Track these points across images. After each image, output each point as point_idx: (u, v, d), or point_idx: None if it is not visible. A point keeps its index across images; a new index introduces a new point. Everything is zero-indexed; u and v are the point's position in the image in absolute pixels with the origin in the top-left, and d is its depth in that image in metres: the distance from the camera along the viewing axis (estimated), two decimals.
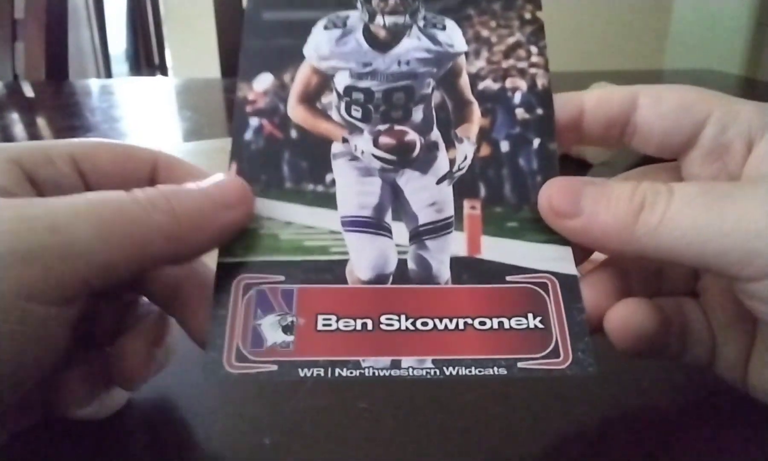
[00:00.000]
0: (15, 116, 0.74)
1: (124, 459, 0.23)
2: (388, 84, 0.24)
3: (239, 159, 0.23)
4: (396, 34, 0.25)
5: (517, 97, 0.24)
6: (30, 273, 0.17)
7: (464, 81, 0.25)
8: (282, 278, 0.21)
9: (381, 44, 0.25)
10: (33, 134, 0.67)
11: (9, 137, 0.65)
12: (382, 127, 0.24)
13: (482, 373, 0.20)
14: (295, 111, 0.24)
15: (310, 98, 0.24)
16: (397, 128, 0.24)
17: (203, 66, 1.53)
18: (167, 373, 0.25)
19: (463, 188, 0.23)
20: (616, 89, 0.24)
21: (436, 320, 0.21)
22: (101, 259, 0.18)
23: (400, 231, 0.23)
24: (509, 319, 0.21)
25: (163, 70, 2.58)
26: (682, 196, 0.19)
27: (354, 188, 0.23)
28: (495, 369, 0.20)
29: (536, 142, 0.24)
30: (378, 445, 0.23)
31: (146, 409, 0.25)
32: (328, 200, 0.23)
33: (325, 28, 0.25)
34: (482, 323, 0.21)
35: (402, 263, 0.22)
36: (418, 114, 0.24)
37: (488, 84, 0.25)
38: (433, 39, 0.25)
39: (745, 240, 0.18)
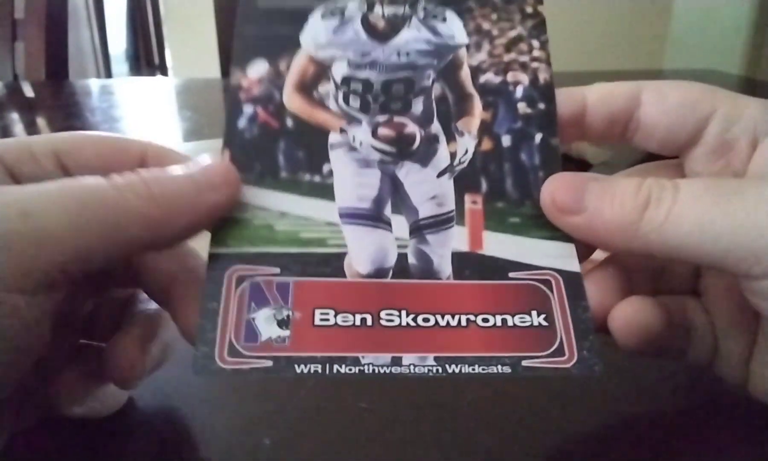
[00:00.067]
0: (15, 116, 0.74)
1: (124, 458, 0.23)
2: (388, 75, 0.24)
3: (232, 147, 0.23)
4: (395, 25, 0.24)
5: (519, 92, 0.24)
6: (0, 261, 0.16)
7: (465, 74, 0.24)
8: (277, 270, 0.21)
9: (380, 35, 0.24)
10: (33, 134, 0.67)
11: (9, 137, 0.64)
12: (381, 118, 0.23)
13: (486, 371, 0.19)
14: (291, 100, 0.23)
15: (307, 87, 0.24)
16: (397, 119, 0.23)
17: (203, 66, 1.53)
18: (167, 372, 0.25)
19: (464, 183, 0.23)
20: (620, 84, 0.24)
21: (438, 317, 0.20)
22: (76, 244, 0.17)
23: (400, 224, 0.22)
24: (513, 316, 0.20)
25: (163, 70, 2.58)
26: (689, 192, 0.19)
27: (352, 180, 0.23)
28: (499, 367, 0.19)
29: (538, 137, 0.24)
30: (378, 445, 0.23)
31: (146, 408, 0.25)
32: (325, 191, 0.22)
33: (323, 16, 0.24)
34: (485, 320, 0.20)
35: (402, 258, 0.22)
36: (417, 106, 0.24)
37: (489, 77, 0.24)
38: (434, 30, 0.24)
39: (755, 237, 0.18)
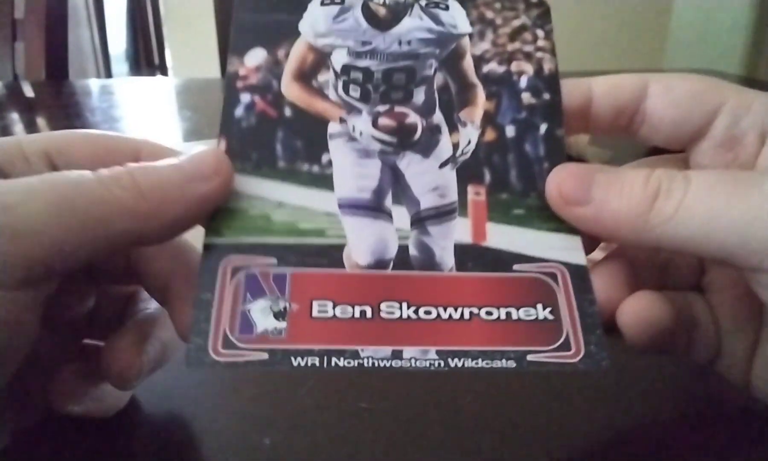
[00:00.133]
0: (15, 116, 0.74)
1: (123, 458, 0.23)
2: (388, 64, 0.23)
3: (229, 135, 0.22)
4: (396, 13, 0.24)
5: (523, 82, 0.24)
6: None
7: (468, 63, 0.24)
8: (274, 261, 0.20)
9: (381, 22, 0.24)
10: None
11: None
12: (381, 108, 0.23)
13: (490, 365, 0.19)
14: (290, 89, 0.23)
15: (306, 76, 0.23)
16: (398, 109, 0.23)
17: (203, 66, 1.53)
18: (167, 372, 0.25)
19: (466, 174, 0.22)
20: (626, 76, 0.23)
21: (440, 309, 0.20)
22: (57, 238, 0.17)
23: (401, 216, 0.22)
24: (517, 309, 0.20)
25: (163, 70, 2.58)
26: (700, 183, 0.19)
27: (352, 170, 0.22)
28: (503, 361, 0.19)
29: (543, 127, 0.23)
30: (378, 445, 0.23)
31: (146, 409, 0.25)
32: (324, 181, 0.22)
33: (322, 4, 0.24)
34: (489, 314, 0.20)
35: (403, 249, 0.21)
36: (419, 96, 0.23)
37: (493, 67, 0.24)
38: (436, 19, 0.24)
39: None
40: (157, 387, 0.25)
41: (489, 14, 0.25)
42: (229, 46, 0.23)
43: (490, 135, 0.23)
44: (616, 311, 0.21)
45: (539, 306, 0.20)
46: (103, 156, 0.22)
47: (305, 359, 0.18)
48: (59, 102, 0.83)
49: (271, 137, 0.22)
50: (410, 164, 0.22)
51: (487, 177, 0.22)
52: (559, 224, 0.21)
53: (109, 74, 2.21)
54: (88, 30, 2.12)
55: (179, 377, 0.26)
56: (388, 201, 0.22)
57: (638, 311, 0.20)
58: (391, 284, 0.20)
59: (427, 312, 0.20)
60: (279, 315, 0.19)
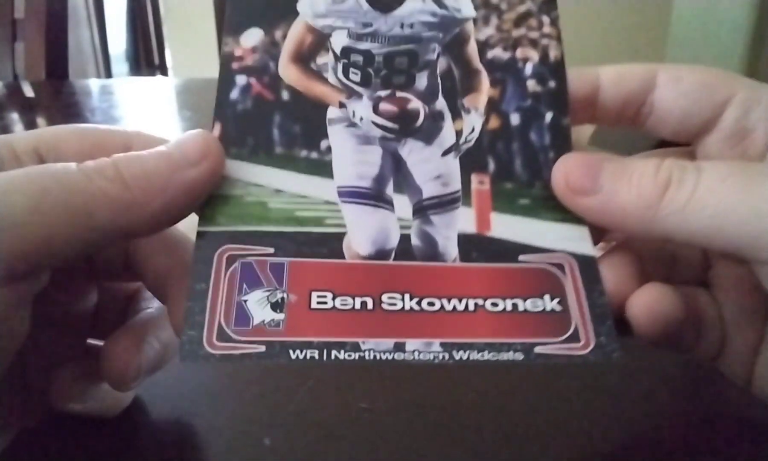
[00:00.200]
0: (15, 116, 0.74)
1: (124, 458, 0.23)
2: (390, 47, 0.22)
3: (223, 119, 0.21)
4: None
5: (529, 69, 0.23)
6: None
7: (472, 48, 0.23)
8: (271, 250, 0.19)
9: (382, 4, 0.23)
10: None
11: None
12: (382, 92, 0.22)
13: (496, 358, 0.18)
14: (288, 71, 0.22)
15: (304, 58, 0.22)
16: (399, 94, 0.22)
17: (203, 66, 1.52)
18: (168, 372, 0.24)
19: (470, 162, 0.22)
20: (635, 66, 0.23)
21: (444, 301, 0.19)
22: (39, 231, 0.16)
23: (403, 204, 0.21)
24: (524, 301, 0.19)
25: (163, 70, 2.57)
26: (713, 174, 0.18)
27: (352, 157, 0.21)
28: (511, 353, 0.18)
29: (548, 116, 0.22)
30: (378, 445, 0.23)
31: (147, 408, 0.25)
32: (323, 168, 0.21)
33: None
34: (495, 305, 0.19)
35: (405, 239, 0.20)
36: (422, 81, 0.22)
37: (498, 53, 0.23)
38: (439, 2, 0.23)
39: None
40: (158, 387, 0.25)
41: None
42: (224, 26, 0.23)
43: (494, 123, 0.22)
44: (626, 303, 0.20)
45: (546, 297, 0.20)
46: (93, 150, 0.21)
47: (304, 351, 0.18)
48: (59, 102, 0.83)
49: (268, 121, 0.22)
50: (412, 152, 0.22)
51: (492, 166, 0.22)
52: (565, 214, 0.21)
53: (109, 74, 2.21)
54: (88, 30, 2.12)
55: (180, 377, 0.26)
56: (389, 189, 0.21)
57: (649, 303, 0.20)
58: (392, 274, 0.20)
59: (431, 304, 0.19)
60: (276, 306, 0.18)
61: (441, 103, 0.22)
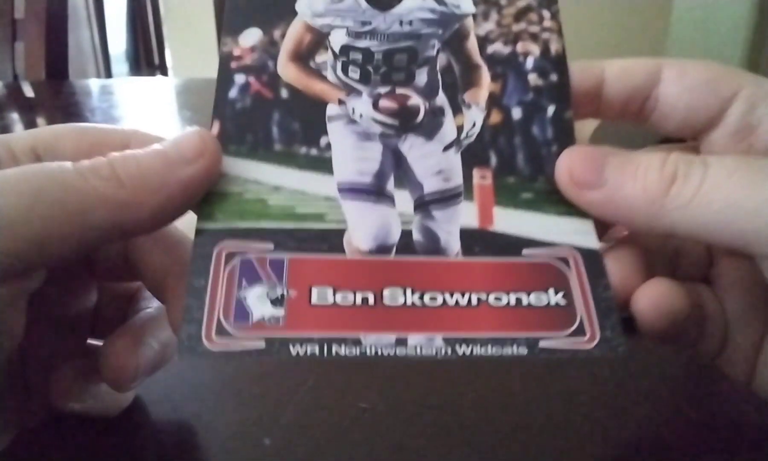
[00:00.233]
0: (15, 116, 0.74)
1: (124, 458, 0.23)
2: (389, 45, 0.22)
3: (222, 118, 0.21)
4: None
5: (530, 63, 0.23)
6: None
7: (472, 44, 0.23)
8: (271, 246, 0.19)
9: (381, 2, 0.23)
10: None
11: None
12: (382, 89, 0.22)
13: (500, 353, 0.18)
14: (287, 69, 0.22)
15: (303, 57, 0.22)
16: (399, 91, 0.22)
17: (203, 66, 1.52)
18: (168, 372, 0.24)
19: (472, 157, 0.22)
20: (640, 60, 0.23)
21: (447, 295, 0.19)
22: (33, 230, 0.16)
23: (404, 200, 0.21)
24: (528, 295, 0.19)
25: (163, 70, 2.57)
26: (719, 168, 0.18)
27: (352, 153, 0.21)
28: (515, 347, 0.18)
29: (551, 109, 0.22)
30: (378, 445, 0.23)
31: (147, 408, 0.25)
32: (322, 165, 0.21)
33: None
34: (498, 300, 0.19)
35: (406, 234, 0.20)
36: (421, 77, 0.22)
37: (498, 48, 0.23)
38: None
39: None
40: (158, 387, 0.25)
41: None
42: (223, 26, 0.23)
43: (495, 117, 0.22)
44: (632, 297, 0.20)
45: (551, 291, 0.19)
46: (90, 149, 0.21)
47: (304, 347, 0.18)
48: (59, 102, 0.83)
49: (267, 118, 0.22)
50: (413, 147, 0.22)
51: (494, 160, 0.22)
52: (569, 207, 0.21)
53: (109, 74, 2.21)
54: (88, 30, 2.12)
55: (180, 376, 0.26)
56: (390, 185, 0.21)
57: (655, 298, 0.20)
58: (394, 269, 0.19)
59: (433, 298, 0.19)
60: (276, 302, 0.18)
61: (441, 99, 0.22)
